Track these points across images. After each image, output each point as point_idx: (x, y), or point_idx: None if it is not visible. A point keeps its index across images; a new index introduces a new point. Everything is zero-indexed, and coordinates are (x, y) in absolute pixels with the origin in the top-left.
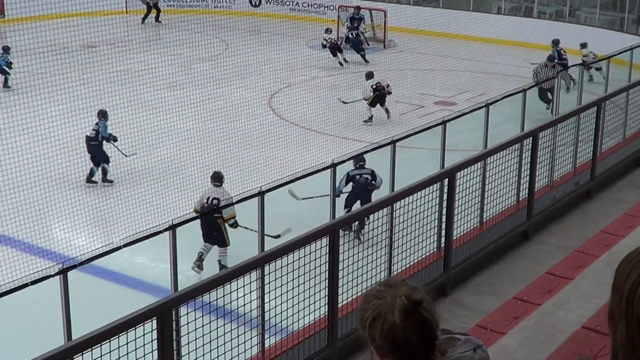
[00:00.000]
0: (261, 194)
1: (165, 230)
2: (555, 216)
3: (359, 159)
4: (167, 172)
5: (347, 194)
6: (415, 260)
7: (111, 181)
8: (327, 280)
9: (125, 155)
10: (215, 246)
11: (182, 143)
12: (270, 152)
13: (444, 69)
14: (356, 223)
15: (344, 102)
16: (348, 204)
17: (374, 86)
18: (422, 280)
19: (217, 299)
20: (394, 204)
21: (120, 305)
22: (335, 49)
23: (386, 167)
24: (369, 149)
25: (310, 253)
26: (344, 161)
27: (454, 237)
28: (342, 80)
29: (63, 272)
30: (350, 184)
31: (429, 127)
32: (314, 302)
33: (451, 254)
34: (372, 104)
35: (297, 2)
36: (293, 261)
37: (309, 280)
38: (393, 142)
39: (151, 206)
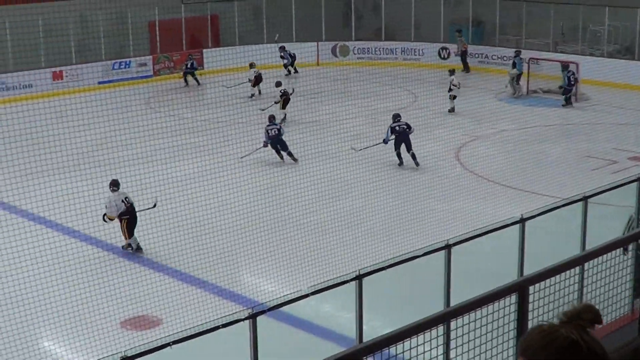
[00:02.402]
0: (448, 247)
1: (352, 279)
2: None
3: (395, 115)
4: (354, 222)
5: (393, 141)
6: (607, 322)
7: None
8: (515, 339)
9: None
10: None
11: (368, 193)
12: (457, 205)
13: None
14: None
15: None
16: (397, 147)
17: (281, 91)
18: (614, 343)
19: (403, 352)
20: (584, 264)
21: (306, 352)
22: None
23: (577, 223)
24: (560, 205)
25: (497, 310)
26: (533, 216)
27: None
28: (532, 133)
29: (252, 317)
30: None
31: (623, 184)
32: None
33: None
34: (282, 107)
35: (485, 55)
36: (480, 317)
37: (497, 337)
38: (585, 199)
39: (338, 255)
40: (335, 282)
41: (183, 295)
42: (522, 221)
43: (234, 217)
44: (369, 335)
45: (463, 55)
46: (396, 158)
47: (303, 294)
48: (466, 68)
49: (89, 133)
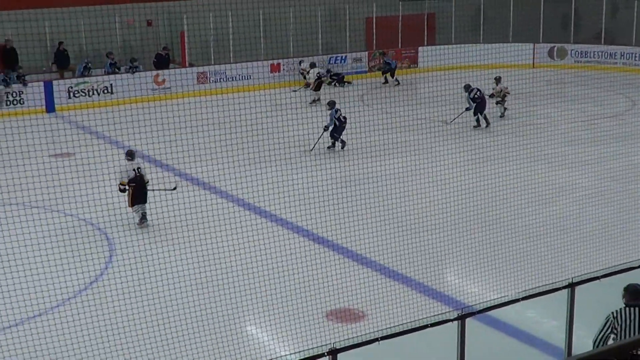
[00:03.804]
0: None
1: (564, 287)
2: None
3: (467, 86)
4: (564, 228)
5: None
6: None
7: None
8: None
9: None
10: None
11: (580, 200)
12: None
13: None
14: None
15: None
16: (475, 113)
17: (317, 74)
18: None
19: None
20: None
21: (511, 357)
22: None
23: None
24: None
25: None
26: None
27: None
28: None
29: (462, 318)
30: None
31: None
32: None
33: None
34: (316, 89)
35: None
36: None
37: None
38: None
39: (546, 261)
40: (547, 289)
41: (387, 290)
42: None
43: (442, 215)
44: (576, 345)
45: None
46: (475, 122)
47: (512, 298)
48: None
49: (303, 126)
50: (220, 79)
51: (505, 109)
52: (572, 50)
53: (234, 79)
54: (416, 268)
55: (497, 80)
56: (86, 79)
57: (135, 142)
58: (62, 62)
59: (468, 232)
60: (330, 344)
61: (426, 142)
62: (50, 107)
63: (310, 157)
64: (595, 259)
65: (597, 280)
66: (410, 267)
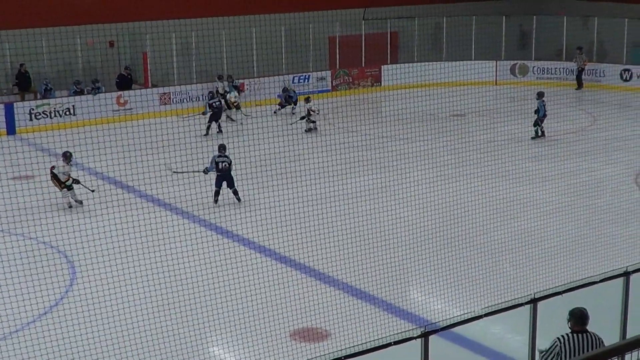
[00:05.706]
0: (627, 274)
1: (526, 303)
2: None
3: (308, 98)
4: (526, 244)
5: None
6: None
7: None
8: None
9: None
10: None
11: (543, 215)
12: (635, 231)
13: None
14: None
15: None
16: (212, 119)
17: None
18: None
19: None
20: None
21: None
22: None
23: None
24: None
25: None
26: None
27: None
28: None
29: (425, 336)
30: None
31: None
32: None
33: None
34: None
35: None
36: None
37: None
38: None
39: (510, 277)
40: (509, 305)
41: (351, 309)
42: None
43: (404, 233)
44: None
45: (580, 72)
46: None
47: (475, 315)
48: (579, 85)
49: (263, 146)
50: (183, 99)
51: (311, 128)
52: (533, 67)
53: (198, 99)
54: (379, 286)
55: (307, 100)
56: (47, 100)
57: (96, 163)
58: (23, 83)
59: (431, 249)
60: None
61: (388, 161)
62: (11, 130)
63: (273, 177)
64: (558, 274)
65: (560, 296)
66: (374, 285)
